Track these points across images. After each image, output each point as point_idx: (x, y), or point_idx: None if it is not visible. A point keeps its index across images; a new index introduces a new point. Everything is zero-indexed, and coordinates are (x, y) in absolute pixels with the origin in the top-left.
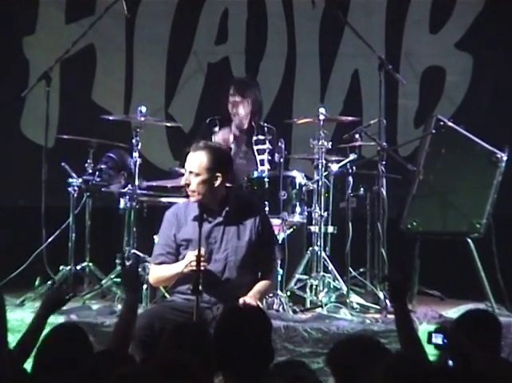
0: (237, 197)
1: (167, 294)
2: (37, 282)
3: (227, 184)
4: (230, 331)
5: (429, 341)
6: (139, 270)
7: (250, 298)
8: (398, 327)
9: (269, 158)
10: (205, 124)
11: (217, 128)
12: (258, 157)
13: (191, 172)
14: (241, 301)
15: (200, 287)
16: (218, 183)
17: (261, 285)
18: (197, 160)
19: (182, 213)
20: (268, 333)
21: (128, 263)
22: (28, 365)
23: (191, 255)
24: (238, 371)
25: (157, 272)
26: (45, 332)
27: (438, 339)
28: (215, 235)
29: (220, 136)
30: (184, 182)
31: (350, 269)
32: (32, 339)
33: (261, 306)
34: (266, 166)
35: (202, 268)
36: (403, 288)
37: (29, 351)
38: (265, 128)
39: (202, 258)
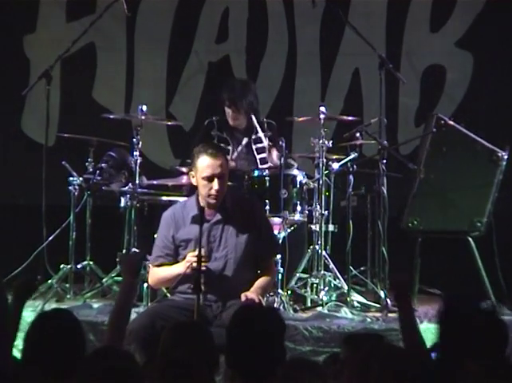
0: (235, 195)
1: (168, 294)
2: (37, 281)
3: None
4: (243, 330)
5: None
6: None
7: (251, 294)
8: (402, 327)
9: (267, 155)
10: (203, 126)
11: (214, 131)
12: (258, 156)
13: (219, 177)
14: (242, 296)
15: (203, 288)
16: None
17: (261, 281)
18: (221, 164)
19: (179, 214)
20: (281, 334)
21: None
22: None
23: (191, 256)
24: (248, 370)
25: (157, 274)
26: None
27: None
28: (215, 234)
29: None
30: (216, 190)
31: (351, 267)
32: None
33: (263, 301)
34: (268, 164)
35: (203, 268)
36: (407, 288)
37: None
38: (265, 124)
39: (203, 258)
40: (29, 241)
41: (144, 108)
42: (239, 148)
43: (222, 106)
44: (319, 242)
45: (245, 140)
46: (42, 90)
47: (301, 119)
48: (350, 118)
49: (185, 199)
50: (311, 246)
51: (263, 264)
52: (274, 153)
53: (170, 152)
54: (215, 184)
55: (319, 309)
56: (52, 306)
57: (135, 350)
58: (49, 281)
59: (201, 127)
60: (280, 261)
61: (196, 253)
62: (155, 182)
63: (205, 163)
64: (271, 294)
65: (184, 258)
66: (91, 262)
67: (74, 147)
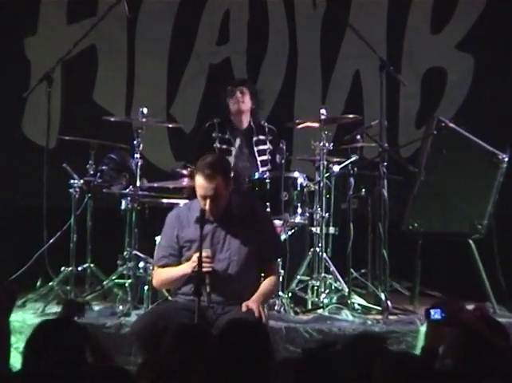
0: (239, 198)
1: (169, 297)
2: (38, 283)
3: None
4: (229, 348)
5: (428, 318)
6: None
7: (252, 303)
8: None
9: (270, 158)
10: (204, 128)
11: (215, 133)
12: (259, 158)
13: (211, 199)
14: (243, 306)
15: (208, 289)
16: (228, 191)
17: (265, 286)
18: (215, 187)
19: (184, 214)
20: (266, 355)
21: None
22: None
23: (197, 257)
24: None
25: (162, 275)
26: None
27: (436, 315)
28: (218, 235)
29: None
30: (208, 209)
31: (351, 270)
32: None
33: (262, 312)
34: (268, 167)
35: (209, 269)
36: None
37: None
38: (266, 129)
39: (209, 260)
40: (29, 243)
41: (145, 110)
42: (236, 145)
43: (225, 102)
44: (320, 244)
45: (238, 142)
46: (43, 92)
47: (300, 125)
48: (351, 116)
49: (186, 201)
50: (312, 249)
51: (267, 267)
52: (277, 157)
53: (170, 155)
54: (207, 203)
55: (320, 311)
56: (53, 308)
57: (137, 350)
58: (50, 283)
59: (201, 129)
60: (281, 263)
61: (203, 254)
62: (155, 184)
63: (200, 183)
64: (272, 296)
65: (187, 260)
66: (92, 265)
67: (75, 149)
